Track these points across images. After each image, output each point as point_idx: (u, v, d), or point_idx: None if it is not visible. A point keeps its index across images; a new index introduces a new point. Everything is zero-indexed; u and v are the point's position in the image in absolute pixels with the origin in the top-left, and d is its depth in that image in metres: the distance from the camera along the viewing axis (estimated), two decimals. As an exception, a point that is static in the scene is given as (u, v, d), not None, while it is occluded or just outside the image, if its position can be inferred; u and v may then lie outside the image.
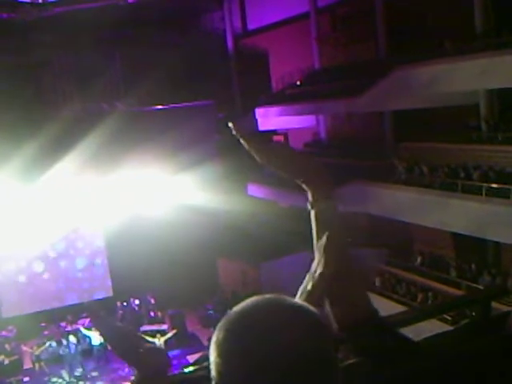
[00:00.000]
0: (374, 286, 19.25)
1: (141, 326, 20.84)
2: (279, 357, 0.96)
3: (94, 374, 19.14)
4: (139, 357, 1.99)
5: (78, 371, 19.06)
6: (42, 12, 21.77)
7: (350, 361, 1.51)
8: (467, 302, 3.11)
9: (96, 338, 19.33)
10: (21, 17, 21.56)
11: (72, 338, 19.64)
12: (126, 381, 18.00)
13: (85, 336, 19.90)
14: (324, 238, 1.39)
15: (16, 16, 21.62)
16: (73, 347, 19.44)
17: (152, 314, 21.67)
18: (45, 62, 23.69)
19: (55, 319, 21.45)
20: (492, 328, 2.02)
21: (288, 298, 1.07)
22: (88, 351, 19.62)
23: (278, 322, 0.99)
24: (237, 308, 1.04)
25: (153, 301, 22.21)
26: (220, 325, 1.03)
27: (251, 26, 27.83)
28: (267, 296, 1.06)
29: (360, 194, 18.73)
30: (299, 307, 1.05)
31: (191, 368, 1.91)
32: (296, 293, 1.35)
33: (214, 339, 1.03)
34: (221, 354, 1.00)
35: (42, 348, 19.35)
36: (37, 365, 19.08)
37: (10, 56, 22.41)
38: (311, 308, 1.06)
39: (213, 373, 1.01)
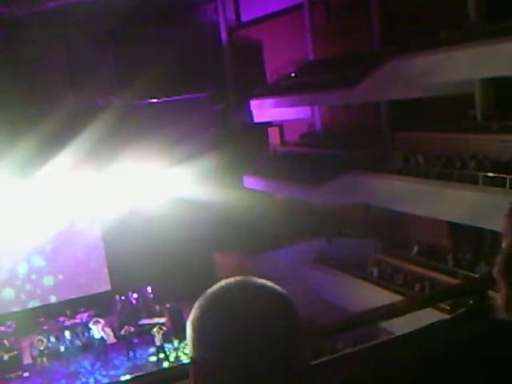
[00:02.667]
0: (370, 275, 19.34)
1: (139, 319, 20.90)
2: (247, 332, 1.01)
3: (94, 367, 19.18)
4: None
5: (78, 365, 19.10)
6: (33, 7, 21.62)
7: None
8: (464, 290, 3.12)
9: (97, 332, 19.39)
10: (12, 12, 21.40)
11: (71, 333, 19.65)
12: (125, 374, 18.07)
13: (84, 330, 19.93)
14: None
15: (7, 11, 21.46)
16: (72, 342, 19.46)
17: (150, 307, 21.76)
18: (37, 57, 23.55)
19: (54, 314, 21.47)
20: (489, 316, 2.03)
21: (257, 279, 1.10)
22: (88, 345, 19.65)
23: (246, 300, 1.05)
24: (211, 288, 1.12)
25: (151, 294, 22.26)
26: (195, 304, 1.12)
27: (245, 18, 27.71)
28: (238, 277, 1.11)
29: (356, 184, 18.75)
30: (267, 286, 1.09)
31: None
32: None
33: (190, 317, 1.11)
34: (194, 329, 1.08)
35: (45, 343, 19.38)
36: (38, 360, 19.07)
37: (2, 51, 22.28)
38: (280, 288, 1.09)
39: (189, 347, 1.08)
